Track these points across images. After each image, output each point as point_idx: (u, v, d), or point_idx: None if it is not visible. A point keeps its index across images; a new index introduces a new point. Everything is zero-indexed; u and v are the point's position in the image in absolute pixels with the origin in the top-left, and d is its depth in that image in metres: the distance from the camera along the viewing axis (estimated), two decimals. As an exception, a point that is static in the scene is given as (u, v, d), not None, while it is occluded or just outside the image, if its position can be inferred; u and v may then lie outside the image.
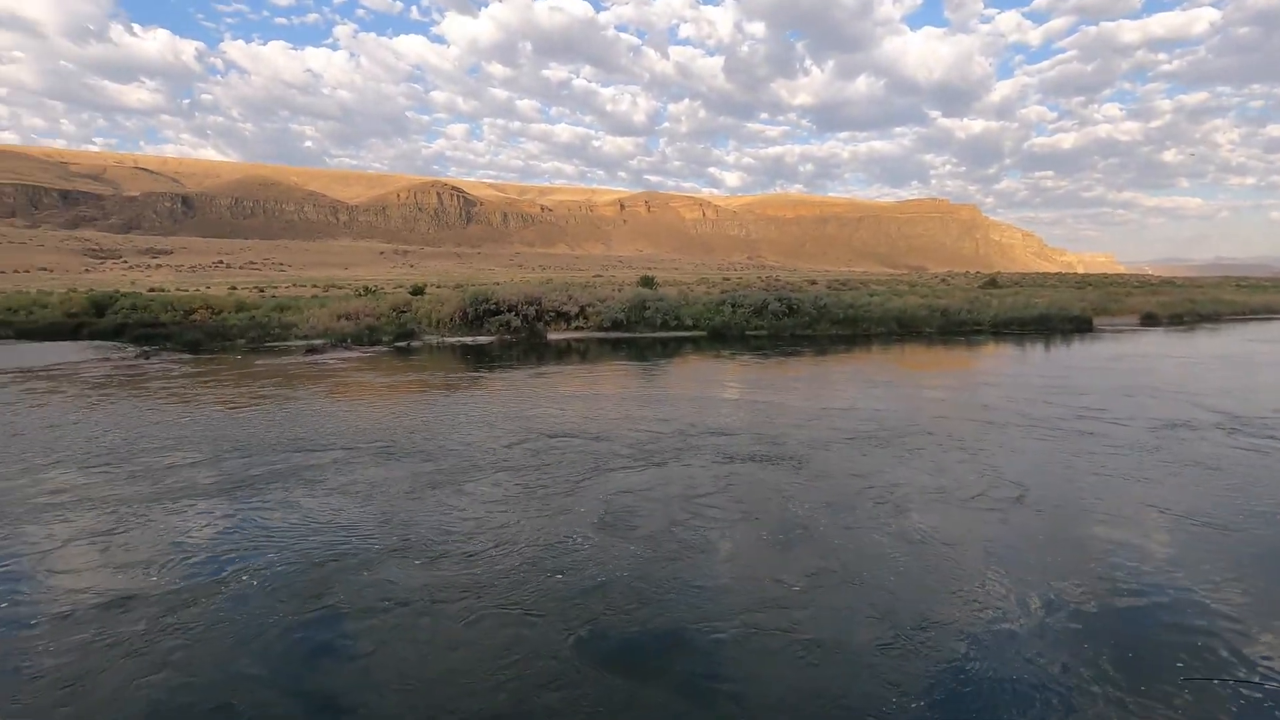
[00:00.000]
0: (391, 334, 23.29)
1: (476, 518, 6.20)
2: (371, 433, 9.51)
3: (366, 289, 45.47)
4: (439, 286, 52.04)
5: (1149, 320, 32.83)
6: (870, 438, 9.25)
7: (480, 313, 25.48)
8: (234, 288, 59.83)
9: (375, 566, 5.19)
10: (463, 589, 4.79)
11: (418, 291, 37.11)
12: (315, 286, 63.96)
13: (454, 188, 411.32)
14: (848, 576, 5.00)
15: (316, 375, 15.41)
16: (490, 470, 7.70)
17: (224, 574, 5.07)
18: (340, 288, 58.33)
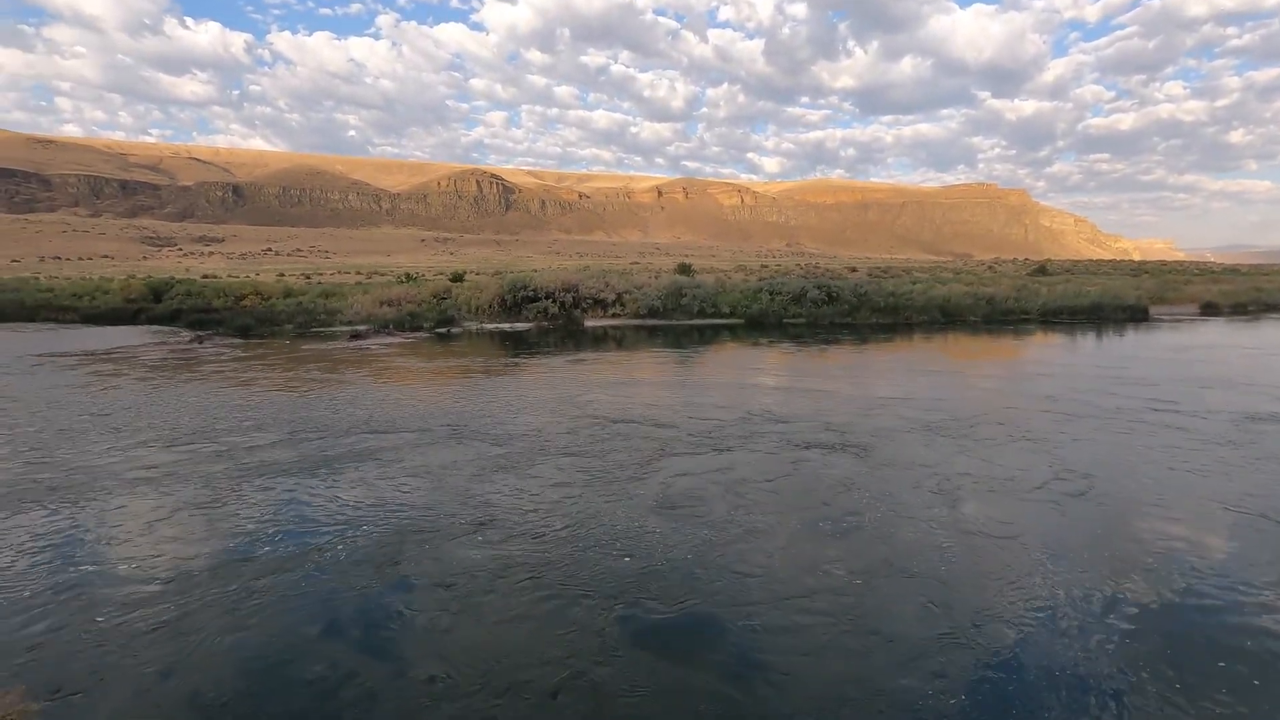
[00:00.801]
0: (432, 320, 23.72)
1: (543, 500, 6.38)
2: (427, 417, 9.76)
3: (408, 276, 46.31)
4: (478, 273, 52.68)
5: (1209, 309, 31.38)
6: (931, 427, 9.17)
7: (518, 299, 25.76)
8: (282, 274, 61.59)
9: (448, 543, 5.43)
10: (530, 567, 4.99)
11: (457, 278, 37.65)
12: (359, 273, 65.46)
13: (493, 175, 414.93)
14: (903, 567, 5.00)
15: (363, 360, 15.82)
16: (552, 454, 7.86)
17: (311, 544, 5.40)
18: (383, 274, 59.53)
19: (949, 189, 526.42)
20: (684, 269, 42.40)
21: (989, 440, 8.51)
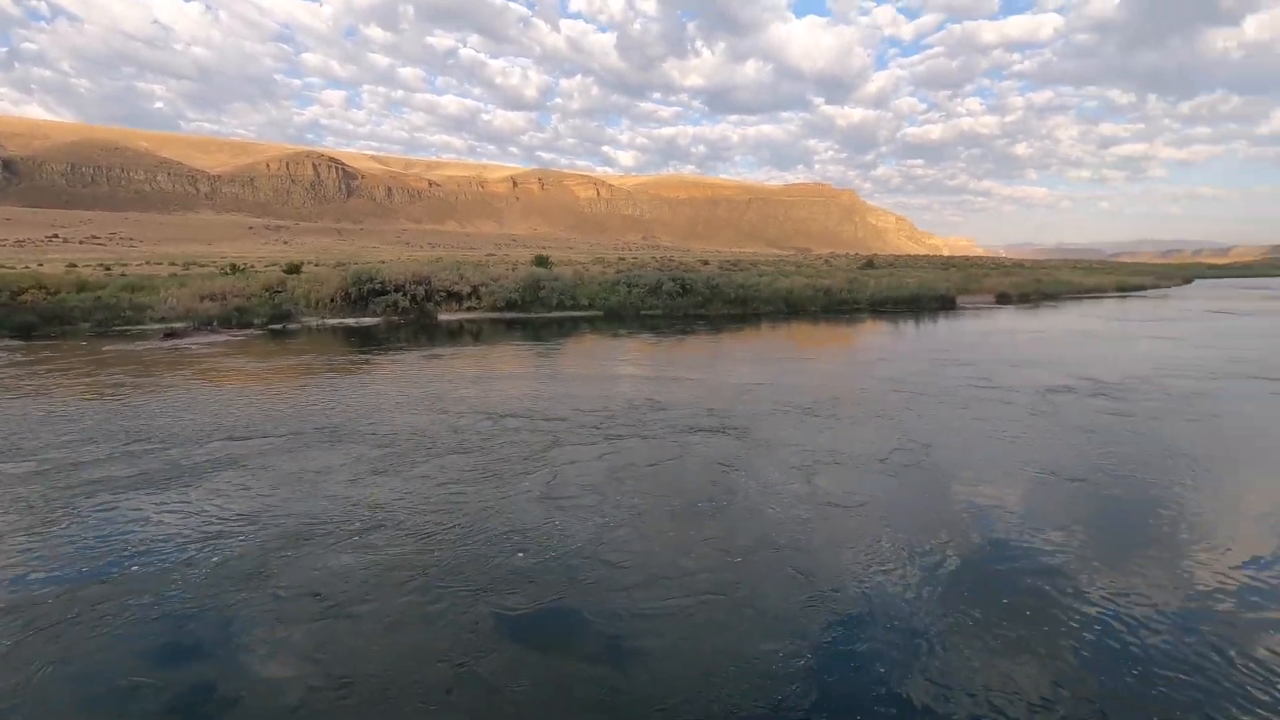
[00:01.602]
0: (265, 315, 21.61)
1: (424, 500, 6.03)
2: (288, 419, 8.86)
3: (234, 267, 41.84)
4: (317, 265, 48.77)
5: (1003, 299, 36.24)
6: (796, 409, 9.89)
7: (365, 293, 24.14)
8: (74, 265, 53.20)
9: (324, 551, 5.10)
10: (412, 568, 4.78)
11: (293, 270, 34.58)
12: (173, 264, 58.03)
13: (331, 159, 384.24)
14: (771, 540, 5.34)
15: (186, 361, 14.07)
16: (432, 453, 7.42)
17: (168, 563, 4.69)
18: (203, 266, 53.35)
19: (789, 188, 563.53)
20: (541, 261, 41.94)
21: (847, 418, 9.35)
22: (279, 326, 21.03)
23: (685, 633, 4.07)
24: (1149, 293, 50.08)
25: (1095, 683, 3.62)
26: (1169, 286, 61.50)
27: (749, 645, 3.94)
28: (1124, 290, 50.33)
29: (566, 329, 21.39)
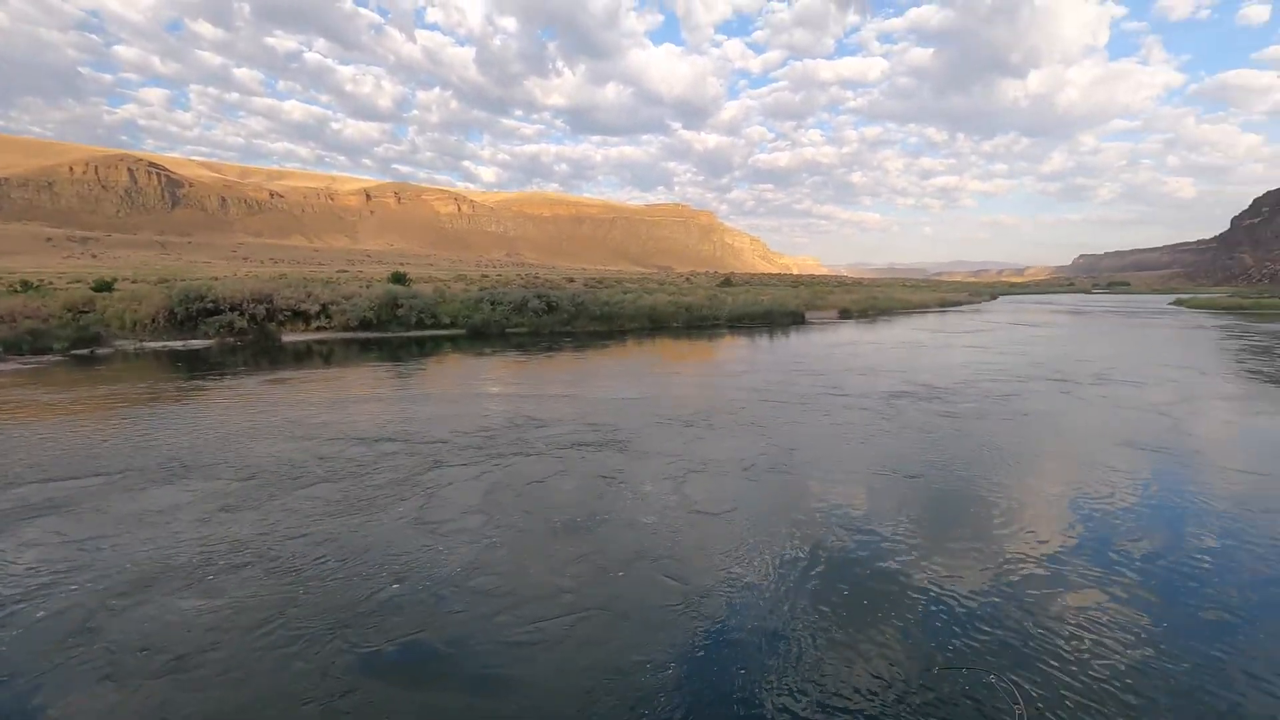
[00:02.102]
0: (67, 340, 18.86)
1: (284, 535, 5.48)
2: (118, 456, 7.70)
3: (26, 284, 36.18)
4: (135, 282, 43.40)
5: (845, 314, 39.52)
6: (669, 420, 10.25)
7: (193, 312, 21.80)
8: None
9: (166, 598, 4.64)
10: (268, 609, 4.36)
11: (105, 287, 30.50)
12: (-57, 280, 49.12)
13: (152, 163, 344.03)
14: (646, 551, 5.44)
15: (-51, 395, 11.88)
16: (290, 485, 6.72)
17: None
18: (-15, 282, 45.66)
19: (651, 208, 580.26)
20: (399, 278, 40.03)
21: (720, 428, 9.82)
22: (86, 352, 18.44)
23: (563, 653, 4.04)
24: (964, 307, 56.73)
25: (931, 654, 4.00)
26: (979, 302, 70.17)
27: (625, 659, 3.97)
28: (944, 305, 56.73)
29: (428, 348, 20.54)
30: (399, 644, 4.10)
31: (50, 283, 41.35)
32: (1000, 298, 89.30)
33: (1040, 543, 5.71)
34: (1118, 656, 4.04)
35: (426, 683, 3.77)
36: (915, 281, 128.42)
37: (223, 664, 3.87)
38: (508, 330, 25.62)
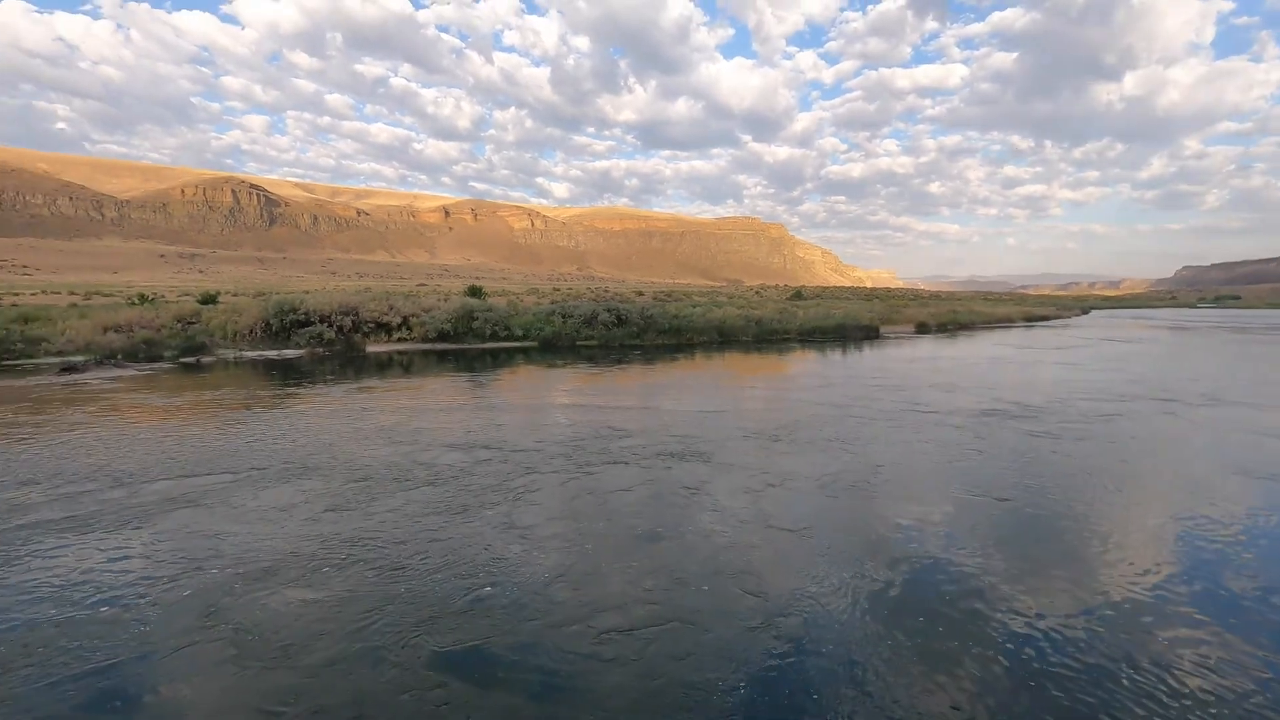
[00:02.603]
0: (176, 349, 20.39)
1: (391, 534, 5.76)
2: (234, 455, 8.31)
3: (142, 297, 39.44)
4: (236, 295, 46.57)
5: (922, 328, 38.10)
6: (757, 434, 10.21)
7: (287, 324, 23.18)
8: (-44, 294, 48.89)
9: (282, 588, 4.94)
10: (369, 602, 4.51)
11: (209, 300, 32.87)
12: (74, 293, 54.14)
13: (253, 185, 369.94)
14: (727, 566, 5.39)
15: (78, 399, 13.05)
16: (393, 486, 7.02)
17: (105, 609, 4.16)
18: (108, 295, 50.05)
19: (721, 221, 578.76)
20: (475, 291, 41.37)
21: (803, 443, 9.68)
22: (192, 360, 19.87)
23: (637, 666, 4.01)
24: (1052, 322, 53.69)
25: (1013, 693, 3.76)
26: (1069, 316, 66.20)
27: (697, 677, 3.89)
28: (1030, 320, 53.84)
29: (501, 360, 21.09)
30: (487, 645, 4.21)
31: (162, 296, 44.89)
32: (1092, 312, 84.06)
33: (1141, 576, 5.28)
34: (1223, 708, 3.68)
35: (505, 684, 3.83)
36: (998, 295, 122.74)
37: (328, 652, 4.10)
38: (578, 343, 26.01)
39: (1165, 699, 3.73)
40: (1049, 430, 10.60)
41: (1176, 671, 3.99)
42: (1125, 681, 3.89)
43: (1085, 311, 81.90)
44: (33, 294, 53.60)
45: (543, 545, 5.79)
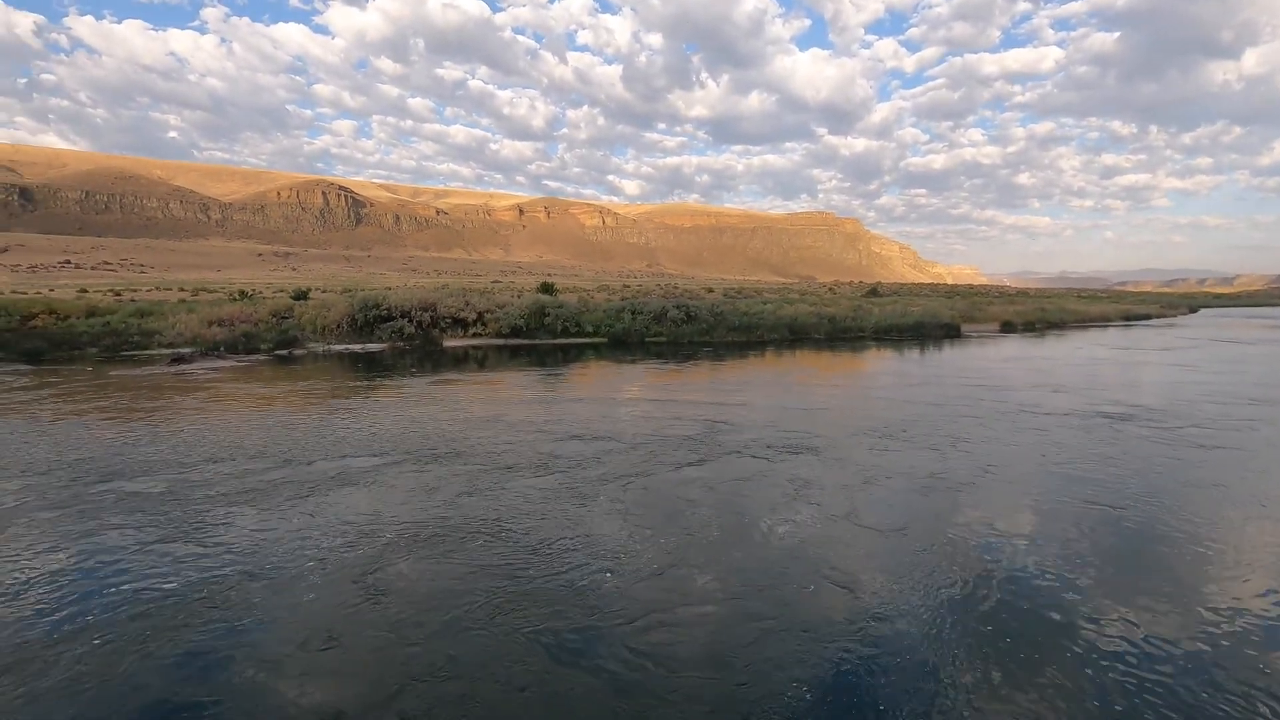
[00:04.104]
0: (271, 341, 21.76)
1: (517, 515, 6.10)
2: (360, 441, 8.89)
3: (242, 293, 42.28)
4: (325, 291, 49.21)
5: (1007, 327, 36.14)
6: (860, 431, 10.27)
7: (370, 319, 24.32)
8: (84, 290, 53.76)
9: (429, 558, 5.52)
10: (494, 578, 4.76)
11: (301, 296, 34.89)
12: (183, 290, 58.65)
13: (341, 187, 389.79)
14: (816, 565, 5.35)
15: (188, 387, 14.13)
16: (517, 473, 7.36)
17: (292, 564, 4.59)
18: (212, 291, 53.88)
19: (794, 216, 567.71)
20: (547, 288, 42.21)
21: (913, 441, 9.62)
22: (285, 352, 21.15)
23: (721, 660, 4.04)
24: (1155, 322, 49.90)
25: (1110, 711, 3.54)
26: (1174, 315, 61.24)
27: (777, 675, 3.87)
28: (1129, 319, 50.22)
29: (572, 355, 21.43)
30: (596, 629, 4.40)
31: (260, 292, 47.92)
32: (1201, 310, 77.59)
33: (1261, 598, 4.86)
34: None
35: (602, 671, 3.95)
36: (1092, 292, 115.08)
37: (451, 624, 4.46)
38: (646, 339, 26.13)
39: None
40: (1173, 435, 9.98)
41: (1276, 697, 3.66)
42: (1213, 708, 3.60)
43: (1193, 310, 75.62)
44: (148, 290, 58.39)
45: (653, 532, 6.06)
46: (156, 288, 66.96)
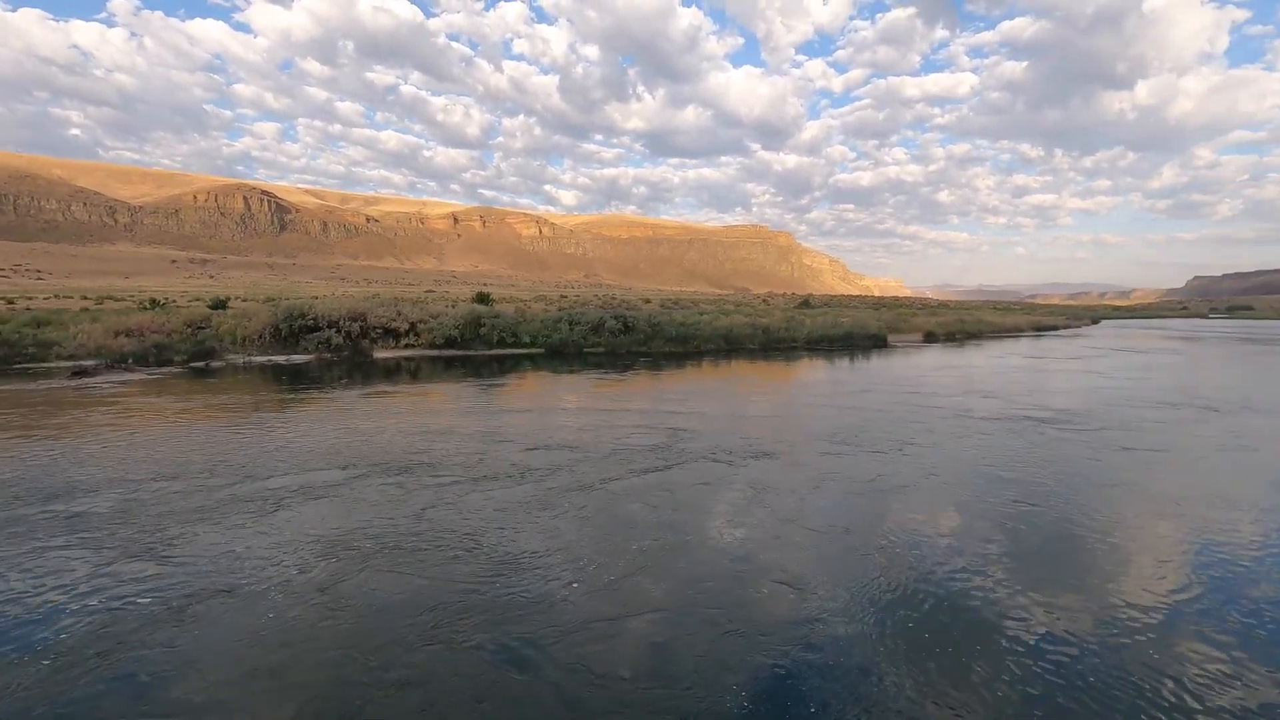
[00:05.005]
0: (186, 353, 20.53)
1: (470, 524, 5.67)
2: (305, 455, 8.28)
3: (154, 301, 39.79)
4: (246, 300, 46.93)
5: (930, 337, 37.87)
6: (819, 439, 10.54)
7: (296, 329, 23.30)
8: (-29, 298, 49.45)
9: (404, 562, 4.91)
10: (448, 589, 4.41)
11: (219, 305, 33.14)
12: (86, 298, 54.68)
13: (264, 191, 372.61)
14: (768, 568, 5.32)
15: (90, 403, 13.14)
16: (475, 482, 7.02)
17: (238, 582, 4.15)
18: (119, 300, 50.54)
19: (729, 229, 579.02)
20: (482, 298, 41.52)
21: (860, 445, 10.05)
22: (202, 364, 20.00)
23: (662, 658, 4.01)
24: (1062, 332, 53.23)
25: (1027, 704, 3.72)
26: (1079, 326, 65.62)
27: (712, 677, 3.88)
28: (1039, 330, 53.44)
29: (508, 366, 21.11)
30: (546, 639, 4.36)
31: (173, 301, 45.27)
32: (1102, 322, 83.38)
33: (1172, 590, 5.22)
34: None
35: (549, 680, 3.89)
36: (1006, 304, 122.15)
37: (401, 639, 4.20)
38: (584, 350, 26.02)
39: (1167, 710, 3.67)
40: (1093, 438, 10.81)
41: (1182, 684, 3.93)
42: (1126, 692, 3.84)
43: (1095, 321, 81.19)
44: (45, 298, 54.17)
45: (605, 533, 6.25)
46: (55, 295, 62.27)
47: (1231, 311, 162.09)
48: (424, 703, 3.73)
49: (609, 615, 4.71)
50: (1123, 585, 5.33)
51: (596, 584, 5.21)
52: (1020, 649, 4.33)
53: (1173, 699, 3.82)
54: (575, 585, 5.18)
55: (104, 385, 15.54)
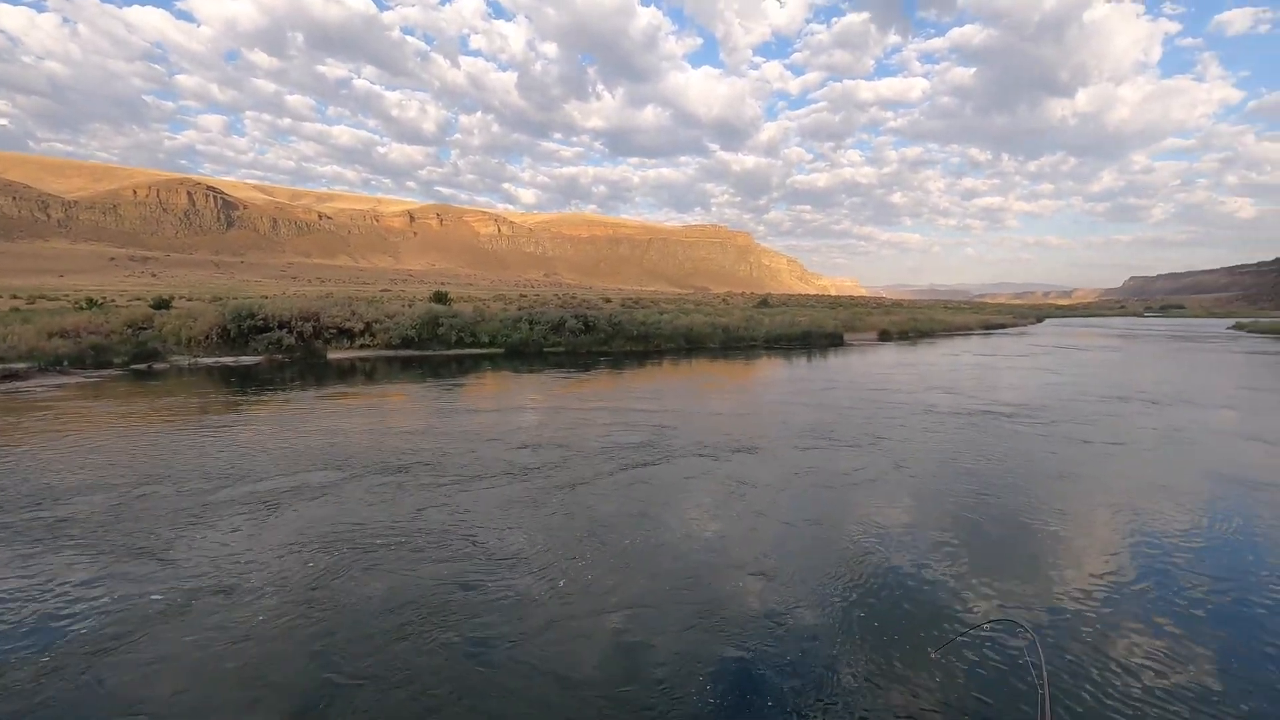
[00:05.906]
0: (127, 355, 19.65)
1: (441, 521, 5.48)
2: (268, 459, 7.90)
3: (91, 301, 37.99)
4: (191, 300, 45.22)
5: (884, 336, 38.78)
6: (795, 433, 10.69)
7: (245, 330, 22.53)
8: (-113, 298, 46.39)
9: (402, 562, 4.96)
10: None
11: (162, 305, 31.84)
12: (16, 297, 51.85)
13: (209, 187, 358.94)
14: (738, 563, 5.32)
15: (21, 408, 12.46)
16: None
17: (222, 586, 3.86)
18: (53, 299, 48.11)
19: (688, 228, 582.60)
20: (440, 297, 40.86)
21: (842, 441, 10.23)
22: (144, 367, 19.18)
23: (631, 651, 4.00)
24: (1009, 330, 55.19)
25: (967, 686, 3.84)
26: (1025, 325, 68.17)
27: (719, 650, 3.89)
28: (988, 328, 55.30)
29: (467, 366, 20.80)
30: (517, 637, 4.20)
31: (112, 301, 43.34)
32: (1046, 320, 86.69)
33: (1117, 576, 5.45)
34: (1169, 694, 3.80)
35: (518, 678, 3.80)
36: (957, 303, 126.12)
37: (372, 638, 4.08)
38: (545, 350, 25.84)
39: (1109, 695, 3.83)
40: (1049, 430, 11.35)
41: (1125, 668, 4.11)
42: (1070, 675, 4.00)
43: (1040, 320, 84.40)
44: (-29, 298, 51.15)
45: (589, 526, 6.25)
46: (-18, 295, 58.86)
47: (1165, 310, 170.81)
48: (385, 704, 3.64)
49: (582, 612, 4.72)
50: (1074, 572, 5.54)
51: (574, 582, 5.19)
52: (979, 633, 4.47)
53: (1117, 681, 3.98)
54: (560, 582, 5.15)
55: (36, 389, 14.77)
